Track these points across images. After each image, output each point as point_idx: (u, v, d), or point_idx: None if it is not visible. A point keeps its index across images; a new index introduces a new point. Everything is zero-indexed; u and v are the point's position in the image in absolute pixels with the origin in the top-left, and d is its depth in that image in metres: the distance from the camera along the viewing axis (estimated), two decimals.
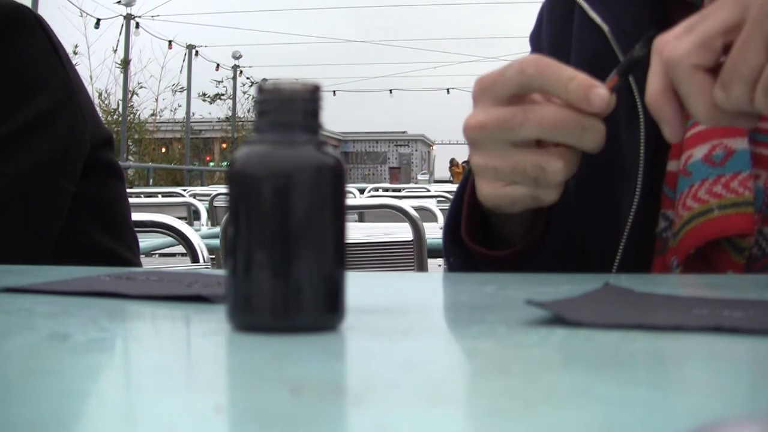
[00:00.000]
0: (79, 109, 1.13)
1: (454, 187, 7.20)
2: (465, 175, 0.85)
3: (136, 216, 1.34)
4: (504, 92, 0.69)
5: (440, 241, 2.94)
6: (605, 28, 0.88)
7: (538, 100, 0.69)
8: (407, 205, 2.44)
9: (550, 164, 0.68)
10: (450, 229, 0.86)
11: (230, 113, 28.18)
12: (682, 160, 0.83)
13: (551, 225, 0.81)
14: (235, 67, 28.52)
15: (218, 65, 27.72)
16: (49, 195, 1.10)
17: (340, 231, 0.47)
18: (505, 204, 0.72)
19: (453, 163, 27.19)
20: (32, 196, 1.08)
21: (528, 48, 1.03)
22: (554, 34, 0.96)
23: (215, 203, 4.92)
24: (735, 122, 0.64)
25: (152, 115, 24.96)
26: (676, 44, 0.63)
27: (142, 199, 4.47)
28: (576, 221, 0.87)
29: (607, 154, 0.74)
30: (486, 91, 0.70)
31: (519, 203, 0.71)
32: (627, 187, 0.86)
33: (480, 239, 0.83)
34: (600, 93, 0.65)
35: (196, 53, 24.55)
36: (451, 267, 0.88)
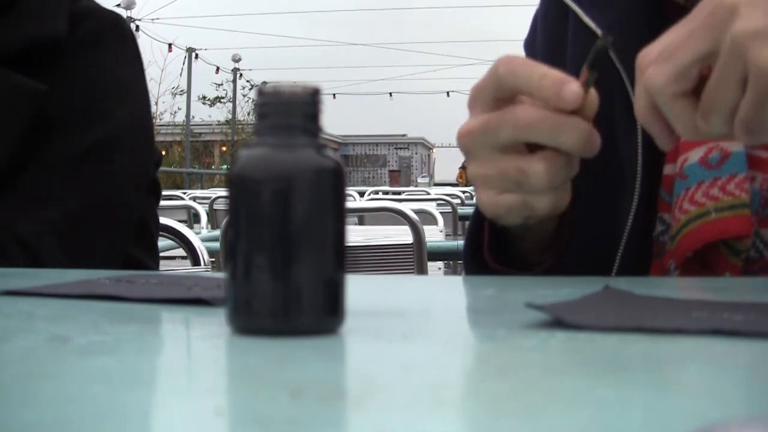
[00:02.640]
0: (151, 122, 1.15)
1: (454, 191, 7.15)
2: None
3: None
4: (486, 97, 0.69)
5: (439, 243, 2.94)
6: (600, 33, 0.88)
7: (525, 102, 0.68)
8: (407, 208, 2.44)
9: (531, 167, 0.67)
10: (470, 248, 0.85)
11: (230, 116, 28.19)
12: (678, 164, 0.83)
13: (572, 244, 0.80)
14: (235, 70, 28.53)
15: (218, 68, 27.73)
16: (136, 206, 1.10)
17: (340, 234, 0.47)
18: (500, 213, 0.71)
19: (463, 165, 27.13)
20: (121, 206, 1.07)
21: (523, 54, 1.03)
22: (549, 39, 0.97)
23: (215, 206, 4.92)
24: (719, 138, 0.66)
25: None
26: (655, 73, 0.64)
27: None
28: (596, 236, 0.87)
29: (605, 158, 0.74)
30: (474, 99, 0.70)
31: (513, 212, 0.71)
32: (625, 191, 0.86)
33: (497, 252, 0.83)
34: (572, 88, 0.65)
35: (196, 56, 24.57)
36: None
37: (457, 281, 0.87)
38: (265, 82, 0.49)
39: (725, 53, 0.61)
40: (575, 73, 0.92)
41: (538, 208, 0.70)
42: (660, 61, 0.65)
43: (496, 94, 0.68)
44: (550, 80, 0.66)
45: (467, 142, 0.70)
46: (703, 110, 0.63)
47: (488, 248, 0.82)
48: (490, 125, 0.68)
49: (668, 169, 0.85)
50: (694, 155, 0.82)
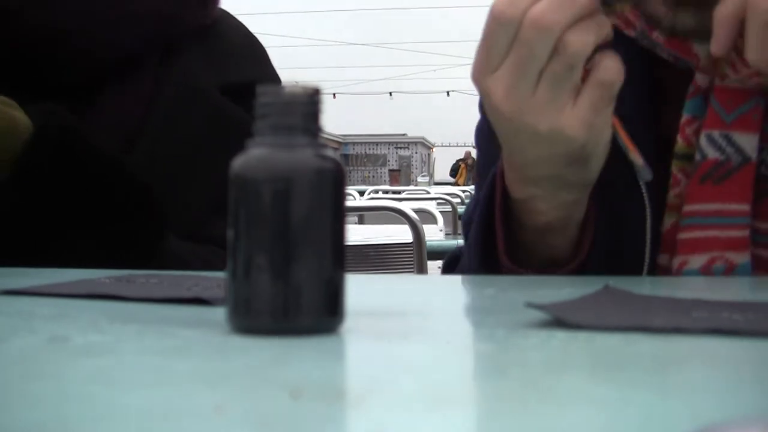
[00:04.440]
0: None
1: (454, 190, 7.13)
2: (485, 202, 0.82)
3: None
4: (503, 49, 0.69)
5: (439, 243, 2.92)
6: None
7: None
8: (407, 207, 2.44)
9: (600, 63, 0.68)
10: (480, 253, 0.82)
11: None
12: (674, 263, 0.79)
13: (596, 245, 0.78)
14: None
15: None
16: None
17: (340, 233, 0.47)
18: (562, 214, 0.73)
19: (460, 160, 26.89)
20: None
21: None
22: None
23: None
24: None
25: None
26: None
27: None
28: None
29: (620, 165, 0.74)
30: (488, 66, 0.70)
31: (578, 207, 0.73)
32: (634, 200, 0.83)
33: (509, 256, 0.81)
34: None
35: None
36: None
37: (457, 281, 0.87)
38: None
39: None
40: None
41: (593, 168, 0.72)
42: None
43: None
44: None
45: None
46: None
47: (505, 251, 0.79)
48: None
49: (662, 260, 0.81)
50: (695, 262, 0.78)
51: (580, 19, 0.67)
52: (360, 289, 0.57)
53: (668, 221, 0.80)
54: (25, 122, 0.89)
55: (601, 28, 0.69)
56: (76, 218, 0.92)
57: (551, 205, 0.76)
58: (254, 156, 0.47)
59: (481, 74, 0.71)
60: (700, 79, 0.79)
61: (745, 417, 0.31)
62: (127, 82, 1.06)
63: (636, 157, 0.74)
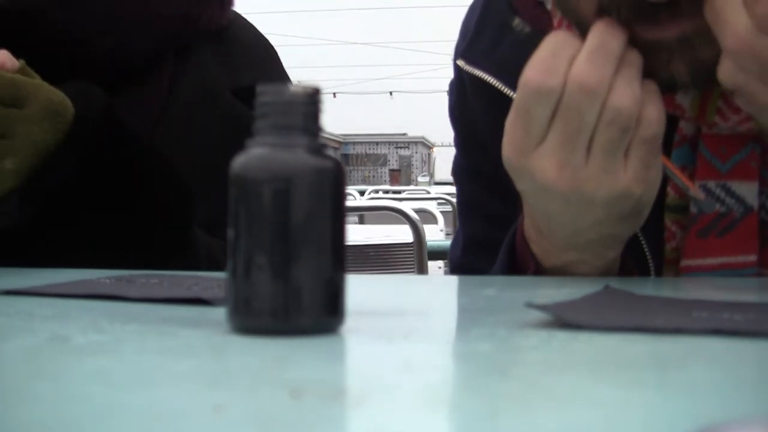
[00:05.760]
0: None
1: (454, 190, 7.19)
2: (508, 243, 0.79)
3: None
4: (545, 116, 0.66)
5: (440, 243, 2.91)
6: None
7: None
8: (407, 207, 2.44)
9: (643, 111, 0.65)
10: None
11: None
12: None
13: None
14: None
15: None
16: None
17: (340, 233, 0.47)
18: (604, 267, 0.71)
19: None
20: None
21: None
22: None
23: None
24: None
25: None
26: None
27: None
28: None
29: None
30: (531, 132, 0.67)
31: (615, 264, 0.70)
32: None
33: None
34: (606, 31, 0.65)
35: None
36: None
37: (457, 281, 0.87)
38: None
39: None
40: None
41: (645, 211, 0.69)
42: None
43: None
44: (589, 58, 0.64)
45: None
46: None
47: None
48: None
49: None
50: None
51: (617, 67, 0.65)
52: (360, 289, 0.57)
53: (668, 276, 0.78)
54: (68, 102, 0.89)
55: (638, 68, 0.66)
56: (113, 198, 0.92)
57: (595, 266, 0.73)
58: (254, 156, 0.47)
59: (521, 153, 0.67)
60: (686, 128, 0.76)
61: (746, 417, 0.31)
62: (144, 82, 1.06)
63: (697, 193, 0.70)
